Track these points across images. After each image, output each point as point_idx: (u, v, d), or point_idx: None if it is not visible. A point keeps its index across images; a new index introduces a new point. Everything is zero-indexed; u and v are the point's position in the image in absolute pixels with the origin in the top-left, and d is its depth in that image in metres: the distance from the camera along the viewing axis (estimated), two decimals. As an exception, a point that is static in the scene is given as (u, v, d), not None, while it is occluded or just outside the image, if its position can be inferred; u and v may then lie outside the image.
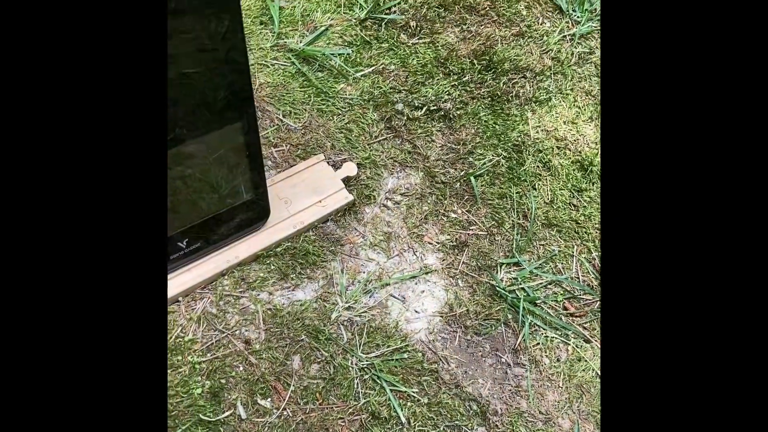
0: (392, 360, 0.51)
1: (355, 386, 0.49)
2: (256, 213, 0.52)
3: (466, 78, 0.64)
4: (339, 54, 0.62)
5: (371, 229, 0.56)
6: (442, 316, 0.53)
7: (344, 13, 0.65)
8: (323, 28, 0.63)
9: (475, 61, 0.65)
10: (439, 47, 0.65)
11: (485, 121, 0.62)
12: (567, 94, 0.65)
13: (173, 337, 0.48)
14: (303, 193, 0.55)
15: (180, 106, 0.42)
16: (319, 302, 0.52)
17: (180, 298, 0.50)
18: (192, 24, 0.39)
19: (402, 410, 0.48)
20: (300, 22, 0.63)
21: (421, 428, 0.48)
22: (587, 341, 0.53)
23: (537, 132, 0.63)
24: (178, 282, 0.49)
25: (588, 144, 0.62)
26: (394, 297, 0.53)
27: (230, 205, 0.50)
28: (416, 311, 0.53)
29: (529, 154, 0.61)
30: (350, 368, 0.50)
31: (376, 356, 0.50)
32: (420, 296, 0.54)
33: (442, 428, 0.48)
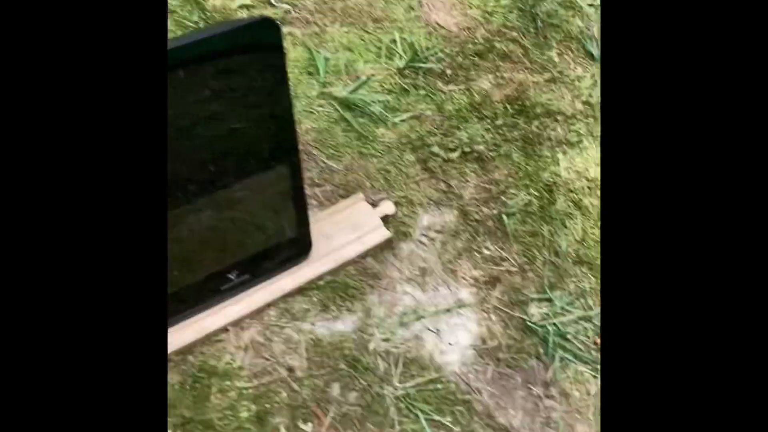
0: (427, 390, 0.53)
1: (391, 414, 0.52)
2: (300, 249, 0.56)
3: (499, 122, 0.67)
4: (379, 101, 0.66)
5: (407, 264, 0.59)
6: (475, 349, 0.55)
7: (384, 63, 0.70)
8: (365, 78, 0.68)
9: (508, 106, 0.69)
10: (474, 93, 0.69)
11: (517, 162, 0.65)
12: (597, 137, 0.68)
13: (223, 363, 0.52)
14: (344, 230, 0.59)
15: (229, 157, 0.47)
16: (357, 333, 0.55)
17: (229, 327, 0.54)
18: (240, 82, 0.44)
19: (435, 437, 0.50)
20: (344, 72, 0.68)
21: (453, 455, 0.50)
22: (617, 375, 0.55)
23: (568, 173, 0.65)
24: (227, 312, 0.53)
25: (618, 184, 0.64)
26: (429, 329, 0.56)
27: (275, 242, 0.54)
28: (450, 344, 0.56)
29: (560, 194, 0.64)
30: (386, 397, 0.52)
31: (411, 386, 0.53)
32: (454, 329, 0.56)
33: (473, 456, 0.50)
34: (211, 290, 0.52)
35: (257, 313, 0.55)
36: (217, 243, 0.51)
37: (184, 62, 0.41)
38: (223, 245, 0.51)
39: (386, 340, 0.55)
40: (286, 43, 0.52)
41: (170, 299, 0.50)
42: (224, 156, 0.47)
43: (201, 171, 0.46)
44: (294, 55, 0.68)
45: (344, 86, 0.67)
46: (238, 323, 0.54)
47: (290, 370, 0.53)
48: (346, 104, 0.66)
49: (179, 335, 0.52)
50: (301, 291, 0.56)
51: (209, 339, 0.53)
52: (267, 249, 0.53)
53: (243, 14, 0.70)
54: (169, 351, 0.51)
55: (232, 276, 0.53)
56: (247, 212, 0.51)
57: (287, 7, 0.71)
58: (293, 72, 0.66)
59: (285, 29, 0.69)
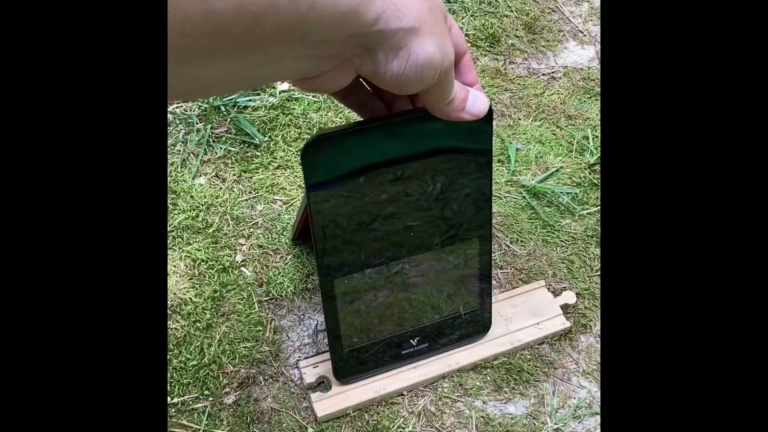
0: (596, 490, 0.51)
1: None
2: (479, 327, 0.57)
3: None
4: (567, 193, 0.68)
5: (585, 357, 0.58)
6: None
7: (575, 157, 0.71)
8: (554, 170, 0.70)
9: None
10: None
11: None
12: None
13: (395, 426, 0.54)
14: (522, 314, 0.60)
15: (424, 234, 0.50)
16: (528, 419, 0.55)
17: (405, 392, 0.56)
18: (449, 167, 0.47)
19: None
20: (533, 163, 0.71)
21: None
22: None
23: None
24: (404, 377, 0.56)
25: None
26: (603, 427, 0.54)
27: (457, 316, 0.56)
28: (625, 445, 0.53)
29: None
30: (554, 489, 0.51)
31: (580, 482, 0.51)
32: (630, 431, 0.54)
33: None
34: (392, 354, 0.55)
35: (431, 383, 0.57)
36: (398, 314, 0.54)
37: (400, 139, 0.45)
38: (406, 315, 0.54)
39: (557, 430, 0.54)
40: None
41: (354, 363, 0.54)
42: (412, 236, 0.50)
43: (393, 249, 0.50)
44: (487, 143, 0.72)
45: (533, 176, 0.70)
46: (413, 389, 0.56)
47: (459, 443, 0.53)
48: (534, 193, 0.68)
49: (359, 393, 0.55)
50: (475, 368, 0.57)
51: (385, 400, 0.55)
52: (448, 322, 0.56)
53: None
54: (347, 406, 0.54)
55: (413, 342, 0.55)
56: (434, 285, 0.54)
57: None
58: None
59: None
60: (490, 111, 0.47)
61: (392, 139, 0.45)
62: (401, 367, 0.56)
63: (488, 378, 0.57)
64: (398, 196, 0.47)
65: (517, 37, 0.85)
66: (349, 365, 0.54)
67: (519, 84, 0.79)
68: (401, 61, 0.30)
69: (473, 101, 0.38)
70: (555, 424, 0.54)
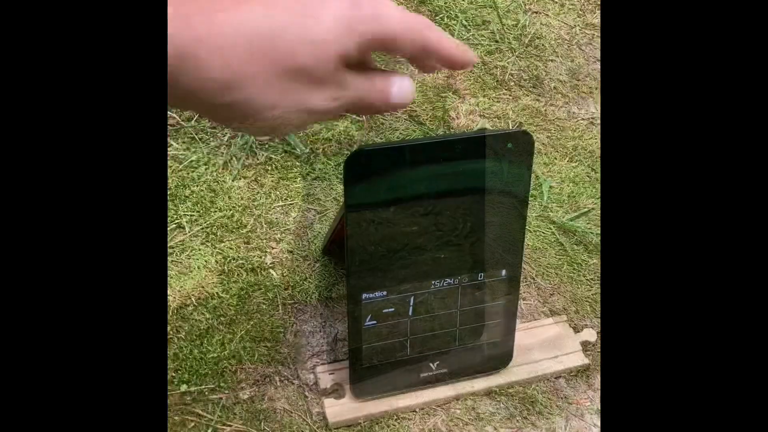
0: None
1: None
2: (501, 359, 0.57)
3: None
4: (597, 233, 0.68)
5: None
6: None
7: (607, 199, 0.72)
8: (586, 210, 0.70)
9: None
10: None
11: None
12: None
13: (404, 441, 0.54)
14: (542, 346, 0.60)
15: (451, 268, 0.51)
16: (538, 450, 0.54)
17: (417, 409, 0.56)
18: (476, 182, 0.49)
19: None
20: (565, 202, 0.72)
21: None
22: None
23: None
24: (418, 395, 0.56)
25: None
26: (614, 467, 0.54)
27: (480, 344, 0.56)
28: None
29: None
30: None
31: None
32: (640, 475, 0.53)
33: None
34: (411, 377, 0.55)
35: (444, 403, 0.57)
36: (421, 340, 0.54)
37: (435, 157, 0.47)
38: (429, 340, 0.55)
39: (567, 465, 0.54)
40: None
41: (372, 381, 0.54)
42: (439, 268, 0.51)
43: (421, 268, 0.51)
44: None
45: (564, 213, 0.70)
46: (425, 407, 0.56)
47: (467, 466, 0.53)
48: (564, 230, 0.69)
49: (372, 404, 0.55)
50: (489, 393, 0.57)
51: (397, 415, 0.55)
52: (470, 350, 0.56)
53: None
54: (359, 415, 0.54)
55: (432, 366, 0.56)
56: (458, 316, 0.54)
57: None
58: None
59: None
60: (531, 156, 0.48)
61: (431, 170, 0.47)
62: (418, 386, 0.56)
63: (501, 405, 0.57)
64: (429, 229, 0.49)
65: (560, 81, 0.86)
66: (368, 383, 0.54)
67: (558, 125, 0.81)
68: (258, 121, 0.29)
69: (398, 91, 0.33)
70: (565, 458, 0.54)
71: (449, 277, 0.52)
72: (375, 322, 0.52)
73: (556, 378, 0.59)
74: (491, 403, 0.57)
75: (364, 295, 0.51)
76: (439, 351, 0.55)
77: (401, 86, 0.33)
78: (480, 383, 0.57)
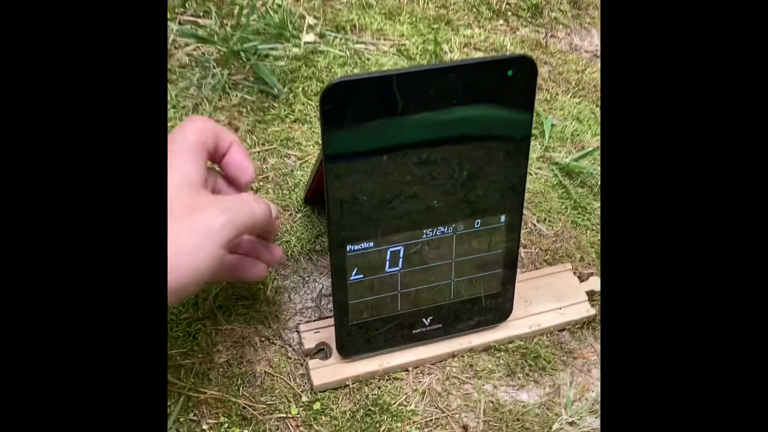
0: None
1: None
2: (499, 313, 0.53)
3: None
4: (602, 174, 0.63)
5: (609, 349, 0.54)
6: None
7: (614, 137, 0.66)
8: (591, 149, 0.65)
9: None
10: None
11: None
12: None
13: (396, 403, 0.50)
14: (544, 297, 0.55)
15: (446, 216, 0.46)
16: (542, 408, 0.50)
17: (410, 368, 0.51)
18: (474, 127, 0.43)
19: None
20: (569, 141, 0.66)
21: None
22: None
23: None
24: (410, 352, 0.51)
25: None
26: (623, 426, 0.50)
27: (476, 298, 0.51)
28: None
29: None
30: (563, 487, 0.47)
31: (593, 483, 0.47)
32: None
33: None
34: (402, 334, 0.51)
35: (439, 361, 0.52)
36: (413, 293, 0.50)
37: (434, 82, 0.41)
38: (421, 294, 0.50)
39: (572, 423, 0.50)
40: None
41: (360, 339, 0.50)
42: (434, 217, 0.46)
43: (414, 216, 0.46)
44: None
45: (567, 153, 0.65)
46: (419, 366, 0.52)
47: (464, 428, 0.49)
48: (567, 171, 0.63)
49: (361, 364, 0.50)
50: (488, 349, 0.53)
51: (388, 374, 0.51)
52: (466, 305, 0.51)
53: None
54: (348, 376, 0.50)
55: (426, 321, 0.51)
56: (453, 267, 0.49)
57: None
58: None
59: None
60: (534, 86, 0.43)
61: (422, 103, 0.41)
62: (411, 344, 0.52)
63: (501, 361, 0.53)
64: (423, 178, 0.44)
65: (561, 11, 0.79)
66: (355, 341, 0.50)
67: (560, 59, 0.74)
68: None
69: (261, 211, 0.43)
70: (570, 416, 0.50)
71: (443, 225, 0.47)
72: (362, 276, 0.47)
73: (560, 331, 0.55)
74: (490, 360, 0.53)
75: (349, 247, 0.46)
76: (432, 305, 0.50)
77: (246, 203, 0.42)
78: (477, 339, 0.53)
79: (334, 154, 0.41)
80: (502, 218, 0.48)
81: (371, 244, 0.46)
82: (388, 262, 0.48)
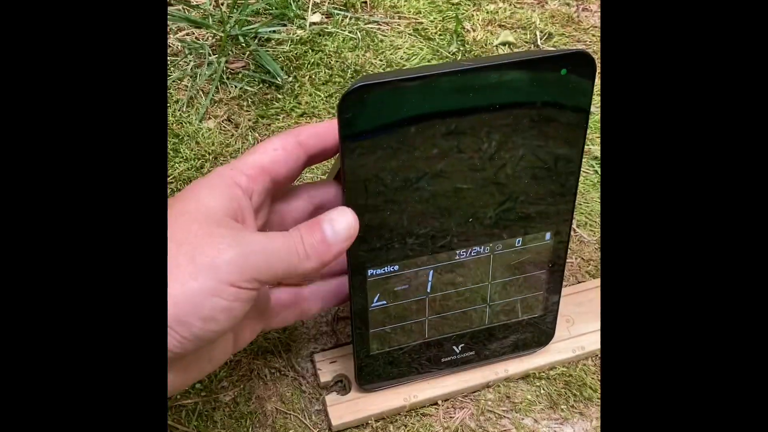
0: None
1: None
2: (540, 336, 0.47)
3: None
4: (648, 170, 0.56)
5: (662, 374, 0.48)
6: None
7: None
8: (633, 140, 0.58)
9: None
10: None
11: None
12: None
13: (425, 442, 0.44)
14: (588, 316, 0.49)
15: (475, 202, 0.39)
16: (589, 446, 0.45)
17: (440, 401, 0.46)
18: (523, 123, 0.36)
19: None
20: (608, 130, 0.59)
21: None
22: None
23: None
24: (440, 383, 0.46)
25: None
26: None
27: (514, 321, 0.45)
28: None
29: None
30: None
31: None
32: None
33: None
34: (429, 363, 0.45)
35: (473, 392, 0.46)
36: (444, 317, 0.43)
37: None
38: (452, 319, 0.44)
39: (624, 464, 0.44)
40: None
41: (382, 371, 0.44)
42: (461, 214, 0.39)
43: (431, 226, 0.39)
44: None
45: (608, 147, 0.58)
46: (449, 398, 0.46)
47: (504, 472, 0.43)
48: (608, 168, 0.57)
49: (384, 399, 0.45)
50: (527, 377, 0.47)
51: (415, 410, 0.45)
52: (502, 329, 0.45)
53: (503, 51, 0.63)
54: (370, 414, 0.44)
55: (456, 349, 0.45)
56: (487, 274, 0.43)
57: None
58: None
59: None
60: (591, 88, 0.36)
61: (457, 111, 0.34)
62: (441, 374, 0.46)
63: (542, 391, 0.47)
64: (458, 195, 0.38)
65: (593, -20, 0.72)
66: (377, 373, 0.44)
67: (594, 36, 0.67)
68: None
69: (332, 229, 0.35)
70: (623, 456, 0.44)
71: (479, 245, 0.41)
72: (384, 302, 0.41)
73: (606, 354, 0.48)
74: (529, 390, 0.47)
75: (370, 272, 0.40)
76: (464, 331, 0.44)
77: (332, 221, 0.36)
78: (514, 366, 0.47)
79: (355, 162, 0.35)
80: (548, 235, 0.42)
81: (395, 267, 0.40)
82: (415, 287, 0.41)
